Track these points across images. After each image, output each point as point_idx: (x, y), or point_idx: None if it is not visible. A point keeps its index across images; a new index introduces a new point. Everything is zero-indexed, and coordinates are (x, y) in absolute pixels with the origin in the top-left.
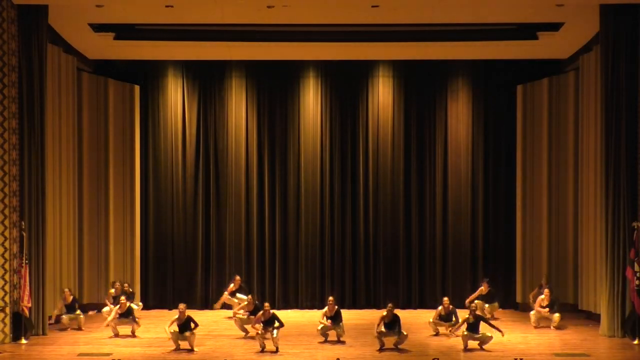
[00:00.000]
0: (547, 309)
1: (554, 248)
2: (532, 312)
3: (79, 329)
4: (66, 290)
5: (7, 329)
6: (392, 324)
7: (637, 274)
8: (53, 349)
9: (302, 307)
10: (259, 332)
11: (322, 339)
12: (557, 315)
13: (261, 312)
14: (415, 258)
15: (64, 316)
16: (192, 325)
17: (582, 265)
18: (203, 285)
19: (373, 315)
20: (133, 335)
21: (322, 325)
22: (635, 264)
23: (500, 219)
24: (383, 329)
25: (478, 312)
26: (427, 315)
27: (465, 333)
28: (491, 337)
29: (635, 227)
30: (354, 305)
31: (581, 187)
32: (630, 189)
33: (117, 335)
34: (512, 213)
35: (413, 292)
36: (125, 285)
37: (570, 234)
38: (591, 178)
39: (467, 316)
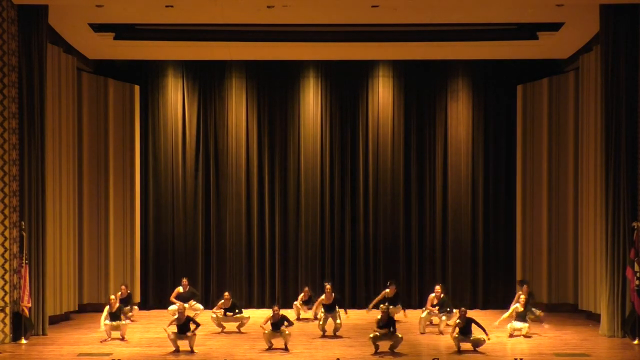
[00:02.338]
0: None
1: (554, 248)
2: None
3: (122, 338)
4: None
5: (7, 329)
6: (387, 325)
7: (637, 274)
8: (53, 349)
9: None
10: (266, 332)
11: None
12: (526, 326)
13: (270, 315)
14: (415, 258)
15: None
16: (192, 326)
17: (582, 265)
18: (203, 285)
19: (373, 316)
20: (122, 338)
21: (320, 321)
22: (635, 264)
23: (500, 219)
24: (378, 333)
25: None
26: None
27: (457, 336)
28: (484, 340)
29: (635, 227)
30: (354, 305)
31: (581, 187)
32: (630, 189)
33: (107, 339)
34: (512, 213)
35: (413, 292)
36: (123, 287)
37: (570, 234)
38: (591, 178)
39: (457, 321)
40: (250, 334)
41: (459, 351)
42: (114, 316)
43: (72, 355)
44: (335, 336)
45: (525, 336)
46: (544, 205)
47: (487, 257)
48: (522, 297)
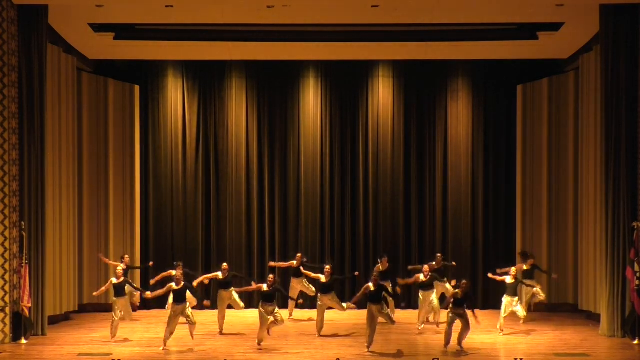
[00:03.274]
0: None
1: (554, 248)
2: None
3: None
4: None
5: (7, 329)
6: (378, 293)
7: (637, 274)
8: (53, 349)
9: (302, 307)
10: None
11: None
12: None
13: (263, 285)
14: (415, 258)
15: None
16: (189, 297)
17: (582, 265)
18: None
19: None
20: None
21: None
22: (635, 264)
23: (500, 219)
24: (373, 310)
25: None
26: None
27: (451, 313)
28: (467, 329)
29: (635, 227)
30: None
31: (581, 187)
32: (630, 189)
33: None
34: (512, 213)
35: (413, 292)
36: (126, 257)
37: (570, 234)
38: (591, 178)
39: (455, 290)
40: (251, 335)
41: (446, 347)
42: (119, 289)
43: (72, 355)
44: (335, 336)
45: (521, 327)
46: (544, 205)
47: (487, 257)
48: (513, 269)
